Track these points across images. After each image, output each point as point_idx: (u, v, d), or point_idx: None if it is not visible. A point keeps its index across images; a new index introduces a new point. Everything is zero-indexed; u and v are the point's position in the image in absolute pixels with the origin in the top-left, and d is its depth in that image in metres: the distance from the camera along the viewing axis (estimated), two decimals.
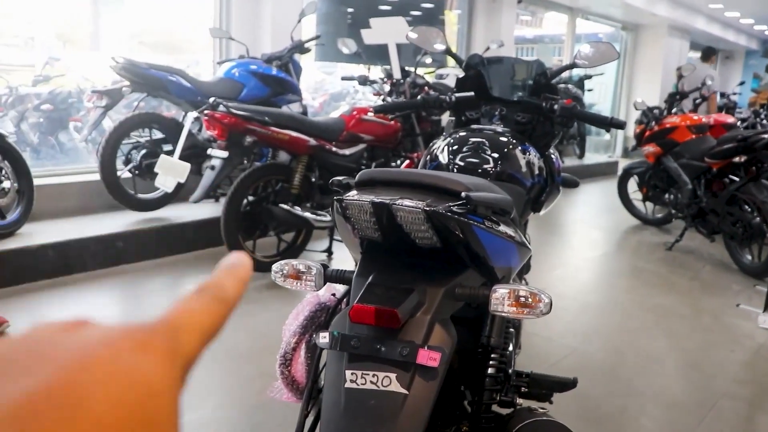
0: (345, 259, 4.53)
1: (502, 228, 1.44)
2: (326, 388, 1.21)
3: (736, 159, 4.99)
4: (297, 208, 4.01)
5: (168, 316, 0.32)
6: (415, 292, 1.23)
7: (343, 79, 5.57)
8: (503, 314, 1.30)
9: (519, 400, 1.56)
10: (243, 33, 5.77)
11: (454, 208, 1.27)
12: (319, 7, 5.44)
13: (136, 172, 4.61)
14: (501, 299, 1.28)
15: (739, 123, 7.23)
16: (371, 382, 1.16)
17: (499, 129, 2.23)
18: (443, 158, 2.04)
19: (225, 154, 3.86)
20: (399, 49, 4.96)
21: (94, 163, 5.29)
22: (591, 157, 10.91)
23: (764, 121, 7.67)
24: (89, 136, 4.61)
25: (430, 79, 6.34)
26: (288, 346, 1.57)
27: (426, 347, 1.17)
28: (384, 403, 1.14)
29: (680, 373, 3.17)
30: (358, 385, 1.16)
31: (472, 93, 2.44)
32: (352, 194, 1.30)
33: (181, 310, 0.33)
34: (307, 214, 4.04)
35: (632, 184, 6.54)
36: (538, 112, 2.35)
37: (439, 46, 2.59)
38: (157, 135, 4.72)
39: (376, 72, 5.51)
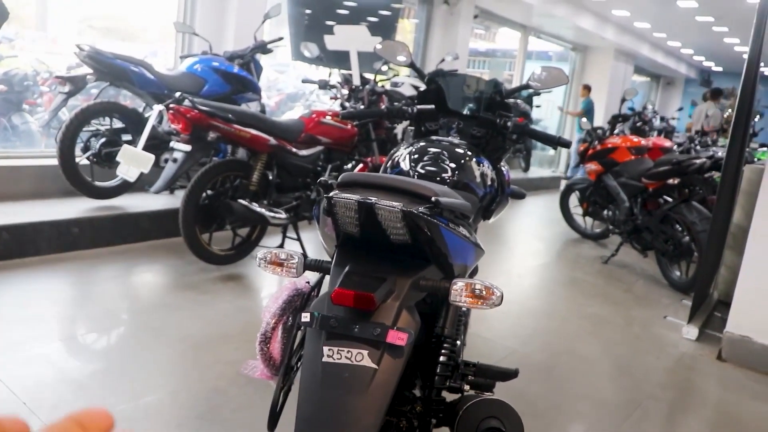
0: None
1: (462, 230, 1.62)
2: (305, 362, 1.37)
3: (671, 181, 5.32)
4: (254, 204, 4.13)
5: None
6: (388, 281, 1.40)
7: (303, 81, 5.70)
8: (461, 304, 1.48)
9: (466, 387, 1.73)
10: (207, 29, 5.84)
11: (425, 211, 1.45)
12: (281, 10, 5.56)
13: (95, 159, 4.65)
14: (459, 291, 1.47)
15: (675, 147, 7.64)
16: (346, 357, 1.32)
17: (456, 141, 2.42)
18: (405, 165, 2.20)
19: (188, 148, 3.95)
20: (359, 56, 5.13)
21: (48, 147, 5.30)
22: (535, 171, 11.27)
23: (698, 147, 8.09)
24: (50, 121, 4.62)
25: (386, 86, 6.53)
26: (268, 326, 1.72)
27: (395, 328, 1.34)
28: (356, 375, 1.31)
29: (611, 375, 3.41)
30: (334, 359, 1.32)
31: (433, 106, 2.62)
32: (340, 193, 1.46)
33: None
34: (264, 211, 4.16)
35: (573, 200, 6.85)
36: (492, 127, 2.54)
37: (404, 60, 2.77)
38: (117, 124, 4.76)
39: (335, 77, 5.66)
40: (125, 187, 4.82)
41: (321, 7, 8.14)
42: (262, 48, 5.50)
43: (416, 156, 2.21)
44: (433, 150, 2.24)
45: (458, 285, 1.48)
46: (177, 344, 3.07)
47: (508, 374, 1.76)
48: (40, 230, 4.11)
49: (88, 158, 4.63)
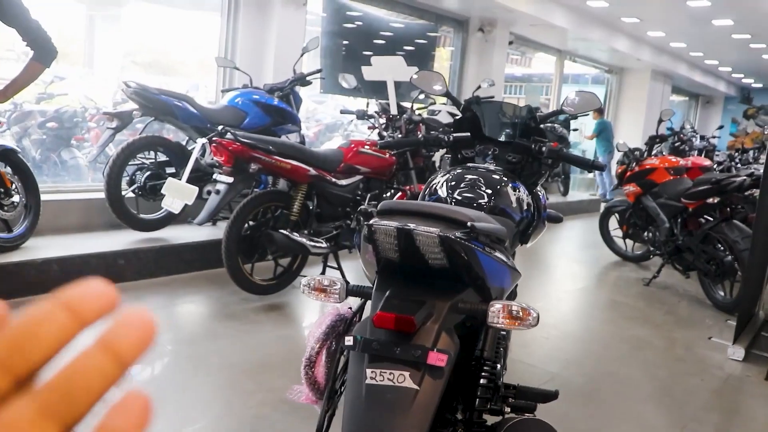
0: None
1: (498, 254, 1.68)
2: (349, 384, 1.43)
3: (710, 200, 5.28)
4: (295, 234, 4.21)
5: (53, 380, 0.30)
6: (427, 304, 1.46)
7: (341, 112, 5.82)
8: (498, 326, 1.53)
9: (506, 410, 1.77)
10: (247, 63, 6.01)
11: (462, 235, 1.51)
12: (321, 42, 5.70)
13: (140, 192, 4.80)
14: (497, 312, 1.52)
15: (715, 166, 7.56)
16: (388, 379, 1.38)
17: (492, 167, 2.47)
18: (442, 192, 2.27)
19: (230, 179, 4.06)
20: (396, 86, 5.22)
21: (95, 181, 5.48)
22: (575, 195, 11.21)
23: (738, 165, 8.00)
24: (98, 156, 4.79)
25: (423, 114, 6.62)
26: (312, 350, 1.78)
27: (435, 350, 1.39)
28: (399, 396, 1.36)
29: (653, 398, 3.39)
30: (377, 381, 1.38)
31: (469, 134, 2.68)
32: (380, 220, 1.53)
33: (68, 371, 0.30)
34: (305, 240, 4.24)
35: (613, 222, 6.81)
36: (527, 152, 2.59)
37: (440, 89, 2.84)
38: (162, 158, 4.91)
39: (372, 106, 5.76)
40: (169, 219, 4.95)
41: (357, 39, 8.30)
42: (301, 80, 5.63)
43: (453, 183, 2.27)
44: (469, 177, 2.29)
45: (495, 307, 1.53)
46: (220, 373, 3.15)
47: (549, 396, 1.79)
48: (87, 262, 4.24)
49: (133, 191, 4.78)
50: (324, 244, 4.38)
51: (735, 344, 4.12)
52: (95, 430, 0.31)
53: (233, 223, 4.03)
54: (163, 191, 4.33)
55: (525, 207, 2.38)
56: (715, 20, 9.88)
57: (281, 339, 3.72)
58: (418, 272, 1.59)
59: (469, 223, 1.55)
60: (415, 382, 1.38)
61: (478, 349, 1.75)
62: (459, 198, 2.21)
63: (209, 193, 4.38)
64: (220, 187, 4.10)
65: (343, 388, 1.77)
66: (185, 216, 4.92)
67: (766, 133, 10.61)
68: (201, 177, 4.69)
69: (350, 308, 1.86)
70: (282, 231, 4.17)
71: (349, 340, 1.45)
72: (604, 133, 12.14)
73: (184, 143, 5.08)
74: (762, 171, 5.33)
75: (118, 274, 4.37)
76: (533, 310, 1.52)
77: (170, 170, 4.90)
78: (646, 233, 6.28)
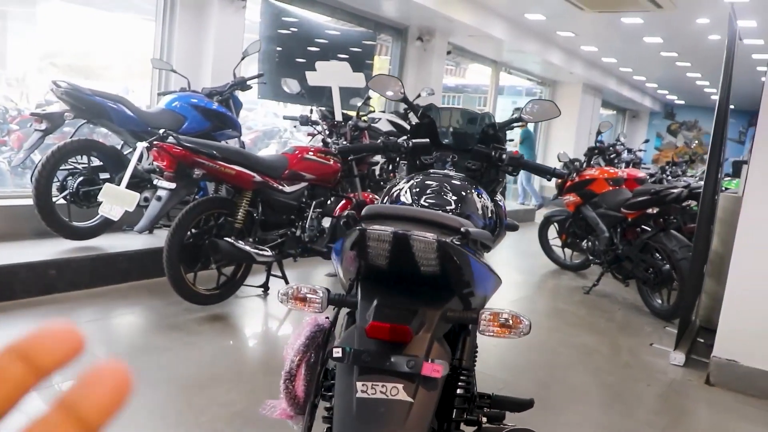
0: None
1: (484, 260, 1.61)
2: (338, 398, 1.34)
3: (649, 210, 5.40)
4: (240, 242, 4.08)
5: None
6: (419, 313, 1.38)
7: (284, 118, 5.70)
8: (489, 335, 1.46)
9: (483, 420, 1.71)
10: (184, 66, 5.83)
11: (458, 241, 1.44)
12: (260, 47, 5.57)
13: (72, 199, 4.56)
14: (488, 321, 1.45)
15: (647, 177, 7.77)
16: (381, 391, 1.30)
17: (454, 174, 2.42)
18: (406, 199, 2.19)
19: (172, 185, 3.90)
20: (341, 92, 5.14)
21: (19, 187, 5.19)
22: (509, 204, 11.35)
23: (669, 177, 8.26)
24: (25, 160, 4.52)
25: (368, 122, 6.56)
26: (292, 363, 1.68)
27: (429, 360, 1.32)
28: (392, 410, 1.28)
29: (605, 404, 3.41)
30: (368, 394, 1.30)
31: (428, 140, 2.63)
32: (374, 226, 1.44)
33: None
34: (249, 249, 4.11)
35: (552, 231, 6.90)
36: (487, 160, 2.56)
37: (396, 94, 2.78)
38: (95, 163, 4.68)
39: (315, 113, 5.65)
40: (103, 228, 4.73)
41: (294, 45, 8.18)
42: (242, 84, 5.50)
43: (417, 190, 2.20)
44: (434, 183, 2.23)
45: (486, 315, 1.46)
46: (166, 387, 2.99)
47: (524, 404, 1.75)
48: (14, 273, 3.98)
49: (65, 198, 4.53)
50: (269, 252, 4.26)
51: (676, 350, 4.20)
52: (60, 402, 0.27)
53: (176, 231, 3.87)
54: (100, 198, 4.10)
55: (489, 214, 2.33)
56: (645, 37, 10.19)
57: (228, 350, 3.58)
58: (405, 280, 1.51)
59: (463, 229, 1.48)
60: (409, 395, 1.30)
61: (455, 359, 1.69)
62: (425, 204, 2.14)
63: (147, 200, 4.20)
64: (162, 193, 3.93)
65: (317, 400, 1.68)
66: (119, 224, 4.72)
67: (693, 146, 11.00)
68: (138, 183, 4.49)
69: (327, 318, 1.77)
70: (227, 239, 4.03)
71: (337, 352, 1.36)
72: (527, 140, 12.53)
73: (119, 147, 4.86)
74: (698, 183, 5.51)
75: (50, 286, 4.14)
76: (525, 318, 1.46)
77: (105, 175, 4.68)
78: (585, 242, 6.38)
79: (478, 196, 2.28)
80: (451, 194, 2.18)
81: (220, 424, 2.66)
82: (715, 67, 12.99)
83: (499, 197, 2.66)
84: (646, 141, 12.70)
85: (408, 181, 2.30)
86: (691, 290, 4.58)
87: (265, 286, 4.68)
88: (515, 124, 2.88)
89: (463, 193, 2.21)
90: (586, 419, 3.17)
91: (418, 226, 1.49)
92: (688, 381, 3.89)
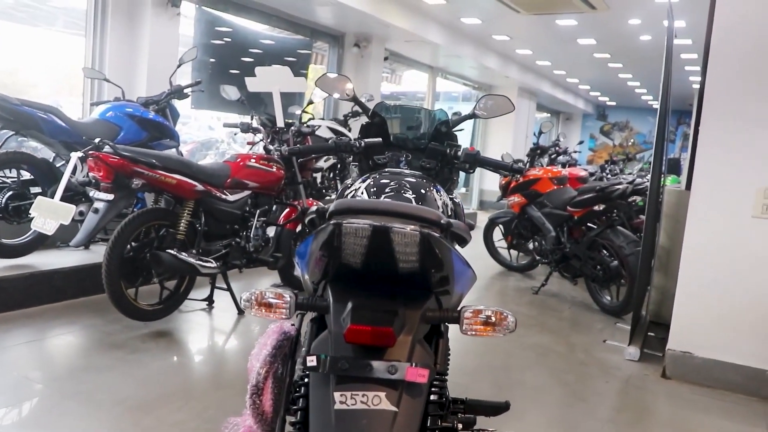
0: (227, 305, 4.44)
1: (462, 255, 1.52)
2: (314, 412, 1.22)
3: (596, 207, 5.43)
4: (183, 254, 3.90)
5: None
6: (399, 314, 1.28)
7: (225, 125, 5.54)
8: (472, 334, 1.37)
9: (459, 426, 1.62)
10: (118, 75, 5.61)
11: (443, 234, 1.35)
12: (196, 54, 5.41)
13: (1, 215, 4.31)
14: (471, 319, 1.36)
15: (589, 176, 7.87)
16: (361, 401, 1.19)
17: (410, 172, 2.34)
18: (365, 198, 2.09)
19: (110, 197, 3.71)
20: (281, 97, 5.01)
21: None
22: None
23: (609, 175, 8.41)
24: None
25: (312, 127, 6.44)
26: (259, 376, 1.54)
27: (413, 365, 1.22)
28: (376, 421, 1.17)
29: (567, 403, 3.37)
30: (348, 405, 1.18)
31: (380, 139, 2.54)
32: (351, 219, 1.32)
33: None
34: (193, 260, 3.94)
35: (497, 233, 6.89)
36: (442, 157, 2.48)
37: (347, 94, 2.69)
38: (25, 176, 4.44)
39: (255, 120, 5.51)
40: (36, 244, 4.49)
41: (228, 54, 8.00)
42: (179, 93, 5.32)
43: (375, 189, 2.11)
44: (392, 181, 2.14)
45: (469, 313, 1.38)
46: (112, 409, 2.81)
47: (500, 408, 1.67)
48: None
49: None
50: (213, 264, 4.09)
51: (630, 345, 4.21)
52: None
53: (115, 244, 3.67)
54: (32, 212, 3.86)
55: (448, 212, 2.26)
56: (580, 39, 10.36)
57: (174, 367, 3.41)
58: (376, 280, 1.40)
59: (443, 221, 1.39)
60: (392, 403, 1.20)
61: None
62: None
63: (82, 213, 4.00)
64: (99, 205, 3.73)
65: (285, 414, 1.55)
66: (53, 240, 4.48)
67: (629, 144, 11.24)
68: (72, 197, 4.27)
69: (293, 325, 1.64)
70: (169, 251, 3.85)
71: (311, 361, 1.24)
72: None
73: (50, 160, 4.62)
74: (641, 179, 5.59)
75: None
76: (509, 315, 1.38)
77: (36, 189, 4.44)
78: (531, 243, 6.39)
79: (438, 194, 2.20)
80: (410, 192, 2.09)
81: None
82: (646, 68, 13.35)
83: (456, 196, 2.59)
84: (581, 142, 12.94)
85: (364, 181, 2.21)
86: (641, 285, 4.61)
87: (210, 300, 4.51)
88: (467, 121, 2.82)
89: (423, 191, 2.13)
90: (550, 420, 3.13)
91: (396, 219, 1.38)
92: (645, 375, 3.89)
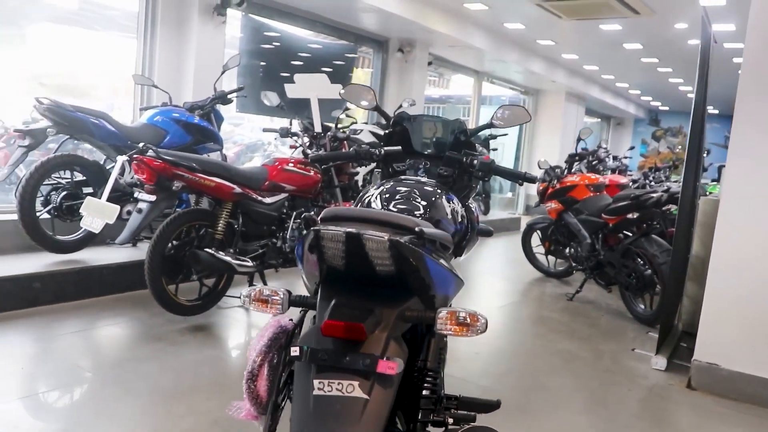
0: None
1: (443, 261, 1.64)
2: (296, 396, 1.36)
3: (630, 215, 5.44)
4: (221, 253, 4.09)
5: None
6: (375, 312, 1.41)
7: (264, 130, 5.73)
8: (446, 333, 1.49)
9: (449, 420, 1.73)
10: (166, 81, 5.86)
11: (411, 240, 1.47)
12: (239, 61, 5.61)
13: (56, 213, 4.59)
14: (445, 319, 1.48)
15: (630, 183, 7.84)
16: (337, 389, 1.33)
17: (425, 180, 2.45)
18: (376, 205, 2.22)
19: (153, 198, 3.92)
20: (320, 103, 5.17)
21: (5, 203, 5.19)
22: (495, 213, 11.40)
23: (652, 183, 8.32)
24: (8, 176, 4.54)
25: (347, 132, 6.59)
26: (254, 364, 1.70)
27: (385, 358, 1.34)
28: (348, 407, 1.31)
29: (587, 409, 3.42)
30: (325, 392, 1.32)
31: (400, 147, 2.66)
32: (327, 226, 1.47)
33: None
34: (230, 259, 4.12)
35: (535, 239, 6.94)
36: (459, 166, 2.59)
37: (369, 103, 2.81)
38: (78, 177, 4.71)
39: (295, 125, 5.69)
40: (87, 241, 4.75)
41: (275, 59, 8.22)
42: (222, 98, 5.53)
43: (387, 195, 2.23)
44: (403, 189, 2.26)
45: (443, 313, 1.49)
46: (147, 397, 3.00)
47: (491, 406, 1.77)
48: (0, 287, 4.00)
49: (49, 212, 4.57)
50: (250, 263, 4.27)
51: (657, 355, 4.22)
52: None
53: (157, 243, 3.88)
54: (81, 211, 4.14)
55: (459, 219, 2.36)
56: (626, 44, 10.28)
57: (209, 360, 3.59)
58: (363, 281, 1.54)
59: (417, 228, 1.52)
60: (364, 392, 1.33)
61: (420, 360, 1.71)
62: (394, 210, 2.17)
63: (129, 213, 4.22)
64: (142, 206, 3.95)
65: (284, 402, 1.70)
66: (103, 237, 4.73)
67: (677, 151, 11.08)
68: (120, 197, 4.51)
69: (291, 320, 1.79)
70: (207, 250, 4.04)
71: (295, 351, 1.39)
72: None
73: (101, 162, 4.88)
74: (678, 188, 5.55)
75: (34, 298, 4.17)
76: (482, 316, 1.49)
77: (87, 190, 4.71)
78: (568, 249, 6.42)
79: (448, 202, 2.31)
80: (420, 200, 2.21)
81: (197, 431, 2.67)
82: (696, 73, 13.04)
83: (471, 203, 2.69)
84: (632, 148, 12.78)
85: (378, 188, 2.34)
86: (672, 295, 4.61)
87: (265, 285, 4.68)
88: (487, 130, 2.92)
89: (433, 199, 2.24)
90: (567, 424, 3.19)
91: (373, 226, 1.52)
92: (670, 385, 3.91)
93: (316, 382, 1.35)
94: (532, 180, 2.62)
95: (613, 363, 4.24)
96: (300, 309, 1.69)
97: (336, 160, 3.37)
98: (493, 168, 2.61)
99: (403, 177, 2.52)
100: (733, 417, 3.51)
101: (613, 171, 10.11)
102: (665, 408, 3.57)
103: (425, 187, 2.30)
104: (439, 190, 2.33)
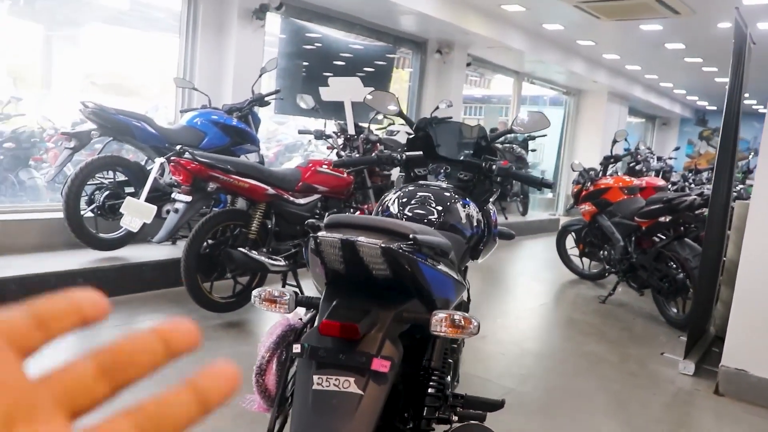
0: None
1: (442, 266, 1.73)
2: (296, 390, 1.47)
3: (663, 219, 5.42)
4: (254, 252, 4.22)
5: (148, 405, 0.34)
6: (371, 313, 1.51)
7: (300, 132, 5.87)
8: (442, 334, 1.58)
9: (454, 418, 1.81)
10: (206, 84, 6.03)
11: (404, 247, 1.56)
12: (279, 63, 5.75)
13: (99, 212, 4.78)
14: (440, 321, 1.57)
15: (669, 186, 7.77)
16: (334, 384, 1.43)
17: (443, 185, 2.54)
18: (394, 209, 2.32)
19: (189, 198, 4.07)
20: (353, 106, 5.28)
21: (54, 201, 5.43)
22: (534, 214, 11.37)
23: (692, 185, 8.22)
24: (56, 176, 4.76)
25: (381, 134, 6.69)
26: (263, 359, 1.82)
27: (379, 357, 1.44)
28: (344, 401, 1.41)
29: (607, 411, 3.46)
30: (323, 387, 1.43)
31: (421, 152, 2.74)
32: (324, 233, 1.57)
33: (161, 401, 0.34)
34: (263, 258, 4.25)
35: (570, 241, 6.94)
36: (478, 171, 2.66)
37: (393, 109, 2.90)
38: (120, 178, 4.90)
39: (330, 126, 5.81)
40: (128, 239, 4.93)
41: (316, 60, 8.36)
42: (260, 101, 5.67)
43: (404, 200, 2.33)
44: (420, 194, 2.35)
45: (438, 316, 1.58)
46: None
47: (494, 405, 1.84)
48: (46, 281, 4.20)
49: (92, 211, 4.76)
50: (282, 262, 4.39)
51: (686, 359, 4.21)
52: (184, 385, 0.34)
53: (192, 242, 4.03)
54: (121, 210, 4.32)
55: (475, 223, 2.44)
56: (667, 44, 10.16)
57: (241, 355, 3.72)
58: (366, 283, 1.64)
59: (411, 235, 1.61)
60: (359, 388, 1.43)
61: (426, 359, 1.80)
62: (410, 214, 2.26)
63: (168, 212, 4.38)
64: (179, 206, 4.11)
65: (288, 393, 1.81)
66: (144, 235, 4.90)
67: None
68: (160, 197, 4.68)
69: (300, 318, 1.90)
70: (241, 249, 4.18)
71: (297, 348, 1.50)
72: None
73: (143, 163, 5.07)
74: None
75: None
76: (474, 320, 1.57)
77: (129, 190, 4.88)
78: (601, 252, 6.41)
79: (463, 206, 2.39)
80: (435, 204, 2.30)
81: (225, 422, 2.80)
82: (748, 66, 12.75)
83: (491, 207, 2.76)
84: (677, 149, 12.62)
85: (397, 192, 2.43)
86: (703, 299, 4.59)
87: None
88: (508, 135, 2.99)
89: (448, 203, 2.33)
90: (586, 426, 3.23)
91: (371, 233, 1.61)
92: (696, 390, 3.91)
93: (315, 377, 1.45)
94: (549, 185, 2.69)
95: (640, 367, 4.25)
96: (310, 309, 1.80)
97: (359, 166, 3.46)
98: (510, 173, 2.69)
99: (422, 182, 2.60)
100: (761, 425, 3.49)
101: (657, 172, 10.01)
102: (689, 413, 3.59)
103: (442, 192, 2.39)
104: (455, 195, 2.41)
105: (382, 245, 1.52)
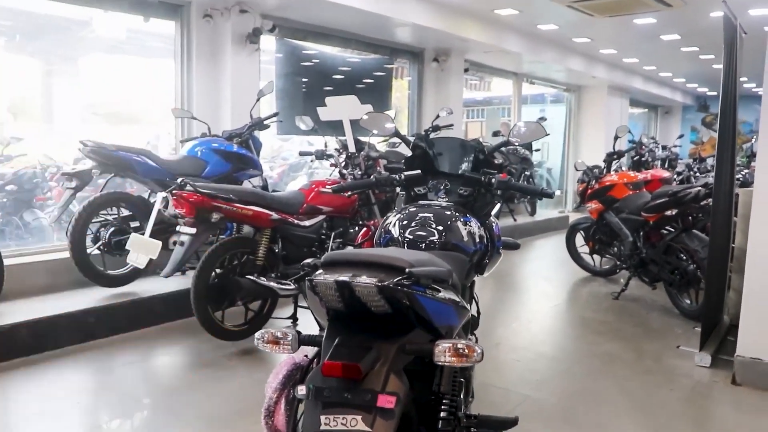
0: (310, 322, 4.74)
1: (442, 294, 1.74)
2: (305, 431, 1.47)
3: (669, 212, 5.40)
4: (263, 278, 4.23)
5: None
6: (374, 349, 1.52)
7: (300, 154, 5.89)
8: (446, 363, 1.58)
9: None
10: (204, 112, 6.06)
11: (402, 282, 1.57)
12: (275, 86, 5.78)
13: (105, 249, 4.80)
14: (443, 352, 1.57)
15: (675, 176, 7.74)
16: (342, 423, 1.43)
17: (444, 204, 2.55)
18: (395, 232, 2.34)
19: (193, 230, 4.09)
20: (352, 123, 5.29)
21: (60, 241, 5.46)
22: (542, 213, 11.33)
23: (697, 174, 8.18)
24: (60, 216, 4.79)
25: (383, 147, 6.70)
26: (270, 400, 1.82)
27: (384, 393, 1.44)
28: None
29: (626, 412, 3.45)
30: (330, 427, 1.43)
31: (419, 171, 2.76)
32: (320, 274, 1.58)
33: None
34: (272, 284, 4.26)
35: (579, 239, 6.92)
36: (477, 185, 2.67)
37: (389, 128, 2.92)
38: (125, 213, 4.93)
39: (332, 144, 5.82)
40: (137, 273, 4.95)
41: (314, 77, 8.38)
42: (259, 125, 5.71)
43: (405, 222, 2.35)
44: (420, 215, 2.37)
45: (441, 346, 1.59)
46: (197, 423, 3.16)
47: (507, 423, 1.85)
48: (56, 323, 4.23)
49: (98, 248, 4.78)
50: (292, 286, 4.39)
51: (702, 351, 4.19)
52: None
53: (200, 273, 4.05)
54: (127, 247, 4.35)
55: (477, 239, 2.44)
56: (662, 35, 10.14)
57: (256, 383, 3.72)
58: (367, 316, 1.65)
59: (407, 270, 1.61)
60: (367, 425, 1.43)
61: (435, 385, 1.80)
62: (411, 237, 2.27)
63: (175, 244, 4.40)
64: (184, 238, 4.13)
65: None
66: (154, 268, 4.92)
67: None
68: (166, 229, 4.70)
69: (306, 356, 1.91)
70: (249, 276, 4.19)
71: (301, 390, 1.50)
72: None
73: (146, 196, 5.10)
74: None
75: (90, 333, 4.36)
76: (477, 347, 1.58)
77: (135, 224, 4.92)
78: (611, 248, 6.39)
79: (465, 224, 2.40)
80: (435, 225, 2.31)
81: None
82: (741, 55, 12.74)
83: (493, 219, 2.77)
84: (681, 136, 12.59)
85: (397, 215, 2.45)
86: (714, 289, 4.57)
87: (294, 318, 4.81)
88: (505, 147, 3.00)
89: (449, 223, 2.34)
90: (605, 429, 3.22)
91: (367, 269, 1.62)
92: (714, 382, 3.89)
93: (322, 418, 1.46)
94: (549, 195, 2.70)
95: (655, 362, 4.23)
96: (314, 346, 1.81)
97: (357, 189, 3.48)
98: (510, 185, 2.69)
99: (422, 202, 2.61)
100: None
101: (663, 161, 9.97)
102: (708, 406, 3.58)
103: (442, 212, 2.40)
104: (456, 213, 2.43)
105: (377, 284, 1.54)
